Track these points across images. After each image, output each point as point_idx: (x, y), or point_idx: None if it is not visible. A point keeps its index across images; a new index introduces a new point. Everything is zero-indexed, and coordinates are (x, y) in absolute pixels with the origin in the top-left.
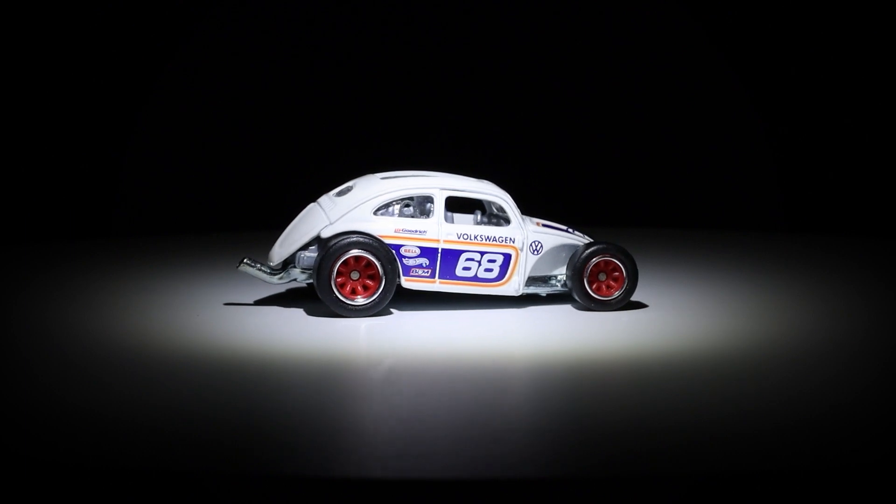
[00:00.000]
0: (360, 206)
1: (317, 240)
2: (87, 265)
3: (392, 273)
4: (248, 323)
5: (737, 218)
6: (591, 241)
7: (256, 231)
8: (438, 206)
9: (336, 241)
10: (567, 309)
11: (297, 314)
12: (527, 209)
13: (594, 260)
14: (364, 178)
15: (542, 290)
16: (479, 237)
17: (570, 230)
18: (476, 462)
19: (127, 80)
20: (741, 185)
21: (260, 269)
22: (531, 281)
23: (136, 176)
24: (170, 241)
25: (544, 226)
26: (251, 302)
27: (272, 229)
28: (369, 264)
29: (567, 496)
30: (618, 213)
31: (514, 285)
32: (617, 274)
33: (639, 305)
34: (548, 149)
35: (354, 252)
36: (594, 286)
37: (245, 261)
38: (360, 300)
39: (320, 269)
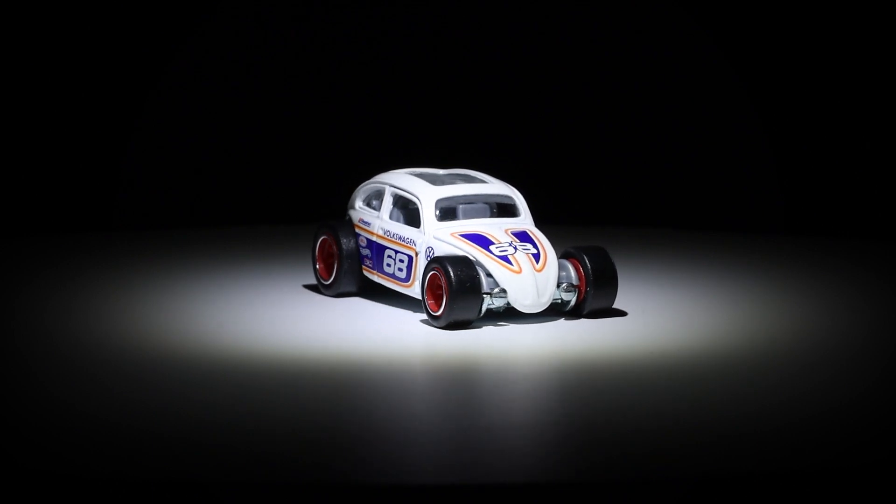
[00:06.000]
0: (355, 195)
1: None
2: (88, 262)
3: (345, 257)
4: (248, 323)
5: (736, 219)
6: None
7: (255, 227)
8: (385, 201)
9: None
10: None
11: (303, 313)
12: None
13: (429, 273)
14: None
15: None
16: (394, 235)
17: (536, 245)
18: (472, 466)
19: (129, 76)
20: (741, 186)
21: None
22: None
23: (139, 171)
24: (170, 238)
25: (461, 237)
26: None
27: (271, 226)
28: None
29: (566, 500)
30: (616, 214)
31: (417, 289)
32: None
33: (638, 306)
34: (546, 149)
35: (322, 235)
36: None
37: None
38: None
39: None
